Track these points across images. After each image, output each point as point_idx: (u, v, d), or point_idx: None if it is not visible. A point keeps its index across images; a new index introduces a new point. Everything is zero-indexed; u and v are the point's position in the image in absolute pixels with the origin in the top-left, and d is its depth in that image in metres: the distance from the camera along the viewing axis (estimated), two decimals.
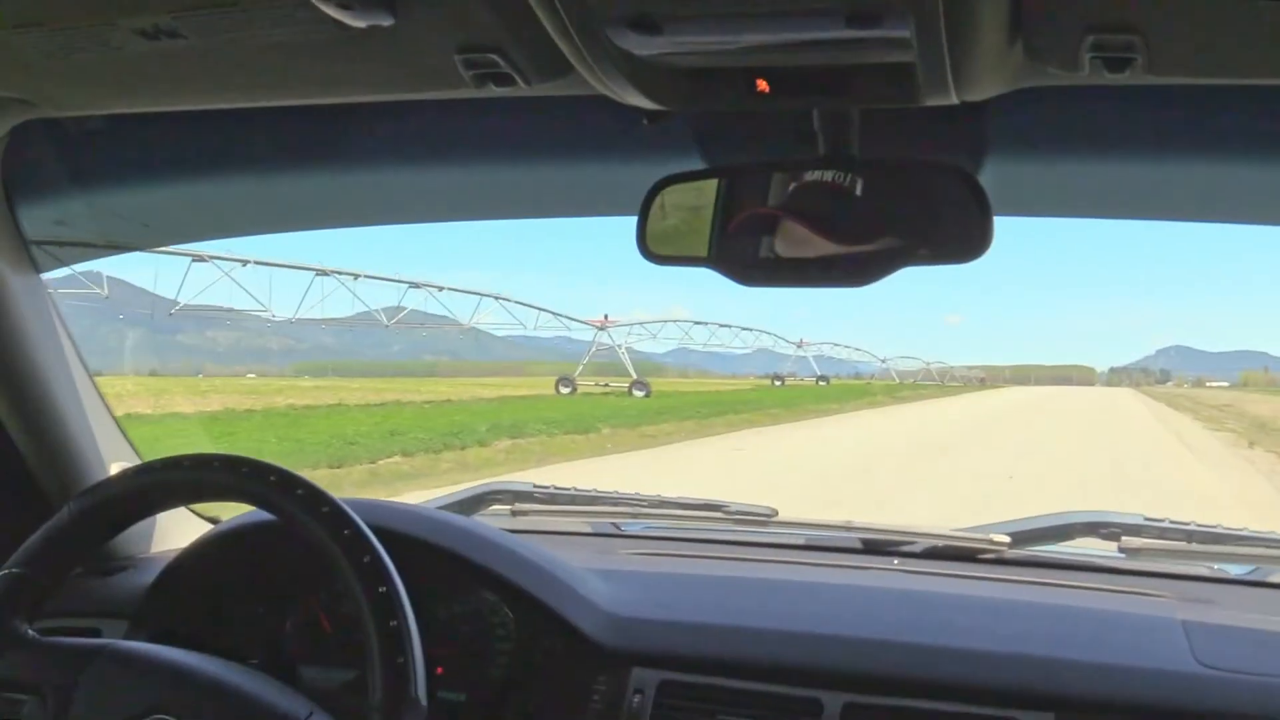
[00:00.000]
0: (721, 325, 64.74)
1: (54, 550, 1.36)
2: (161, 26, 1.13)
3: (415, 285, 39.94)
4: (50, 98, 1.40)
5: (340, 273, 36.83)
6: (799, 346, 66.83)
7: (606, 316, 48.38)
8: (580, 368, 46.16)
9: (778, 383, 53.59)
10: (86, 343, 1.85)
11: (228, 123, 1.53)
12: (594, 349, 48.06)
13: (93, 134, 1.64)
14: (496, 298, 46.58)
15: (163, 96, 1.38)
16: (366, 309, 42.23)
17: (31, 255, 1.72)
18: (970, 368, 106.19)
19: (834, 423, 28.88)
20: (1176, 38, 1.02)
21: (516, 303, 48.18)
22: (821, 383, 56.54)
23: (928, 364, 79.51)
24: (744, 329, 67.26)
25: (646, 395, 37.35)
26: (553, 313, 51.17)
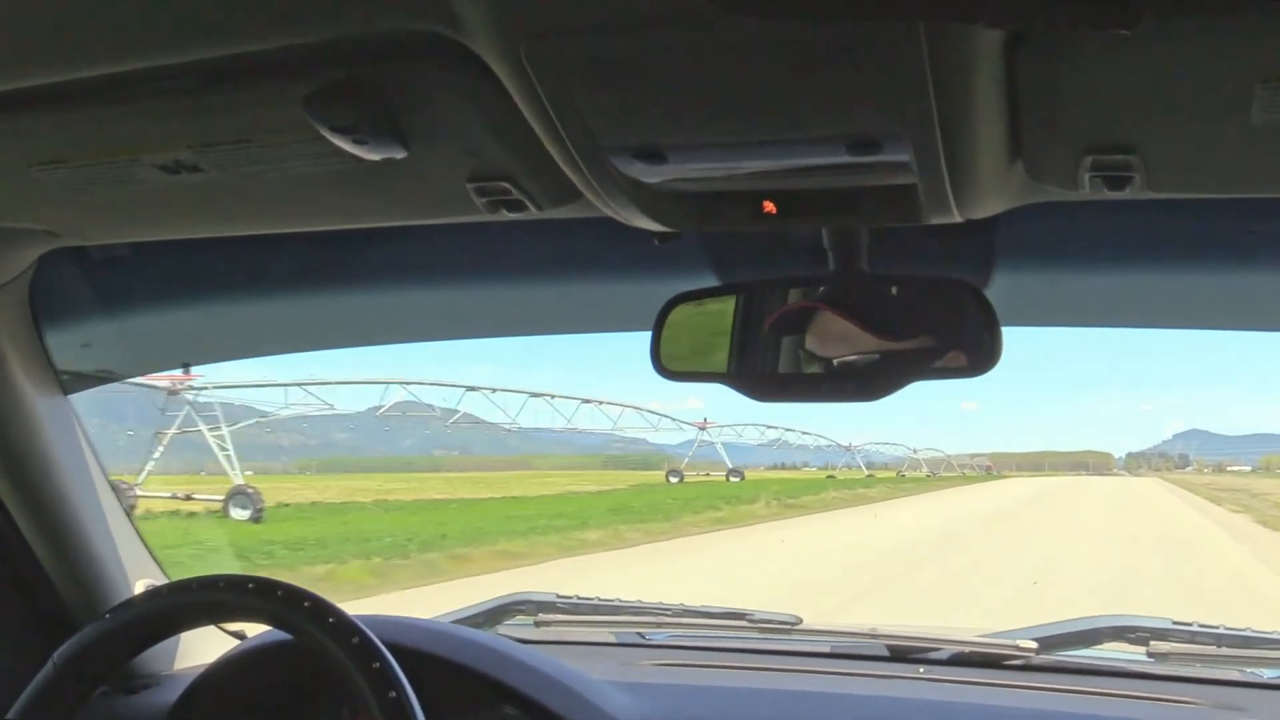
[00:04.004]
0: (786, 429, 70.21)
1: (73, 673, 1.37)
2: (182, 161, 1.18)
3: (471, 389, 41.16)
4: (75, 229, 1.45)
5: (406, 382, 38.02)
6: (848, 449, 70.88)
7: (705, 420, 53.94)
8: (685, 460, 53.76)
9: (830, 476, 58.85)
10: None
11: (248, 247, 1.58)
12: (696, 445, 54.07)
13: (117, 260, 1.69)
14: (552, 396, 48.71)
15: (183, 226, 1.43)
16: (431, 407, 43.14)
17: (59, 378, 1.76)
18: (974, 455, 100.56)
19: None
20: (1173, 156, 1.05)
21: (609, 403, 51.25)
22: (869, 476, 61.23)
23: (914, 451, 78.30)
24: (804, 432, 72.52)
25: (741, 480, 46.21)
26: (653, 412, 55.91)
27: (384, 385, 38.04)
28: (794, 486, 38.33)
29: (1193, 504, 33.16)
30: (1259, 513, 25.41)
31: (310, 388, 33.57)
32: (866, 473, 64.62)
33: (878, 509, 30.69)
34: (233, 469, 25.93)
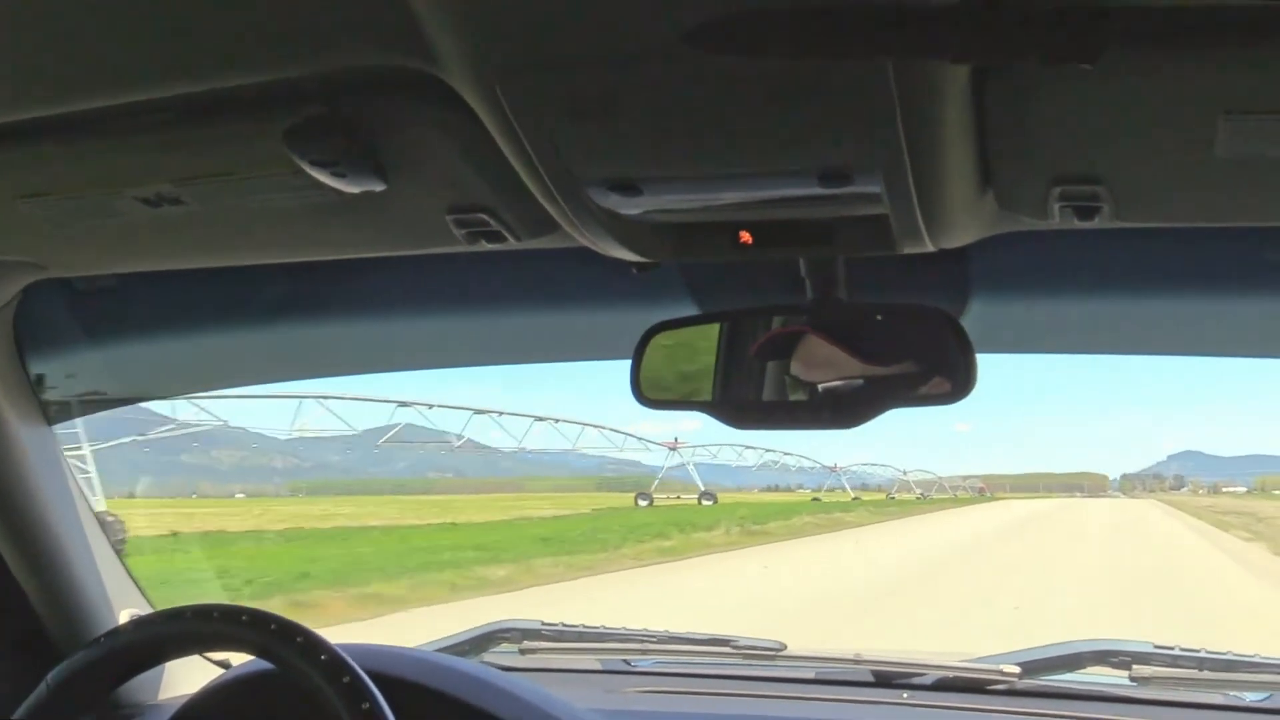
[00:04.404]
0: (767, 450, 67.45)
1: (62, 699, 1.37)
2: (163, 194, 1.19)
3: (479, 411, 42.65)
4: (58, 260, 1.46)
5: (418, 404, 39.71)
6: (833, 470, 68.51)
7: (676, 439, 52.21)
8: (656, 483, 50.52)
9: (816, 500, 55.10)
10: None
11: (231, 278, 1.59)
12: (666, 467, 52.55)
13: (101, 291, 1.70)
14: (555, 420, 49.24)
15: (165, 257, 1.44)
16: (441, 432, 44.20)
17: (43, 408, 1.76)
18: (965, 477, 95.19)
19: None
20: (1140, 187, 1.07)
21: (570, 422, 50.91)
22: (854, 499, 57.46)
23: (904, 472, 75.65)
24: (785, 453, 69.95)
25: (713, 503, 42.96)
26: (625, 433, 54.20)
27: (390, 407, 38.64)
28: (768, 510, 35.08)
29: (1197, 530, 29.48)
30: (1273, 542, 22.14)
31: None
32: (851, 495, 61.00)
33: (859, 534, 28.22)
34: (92, 493, 24.86)
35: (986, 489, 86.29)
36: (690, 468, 52.98)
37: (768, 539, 25.58)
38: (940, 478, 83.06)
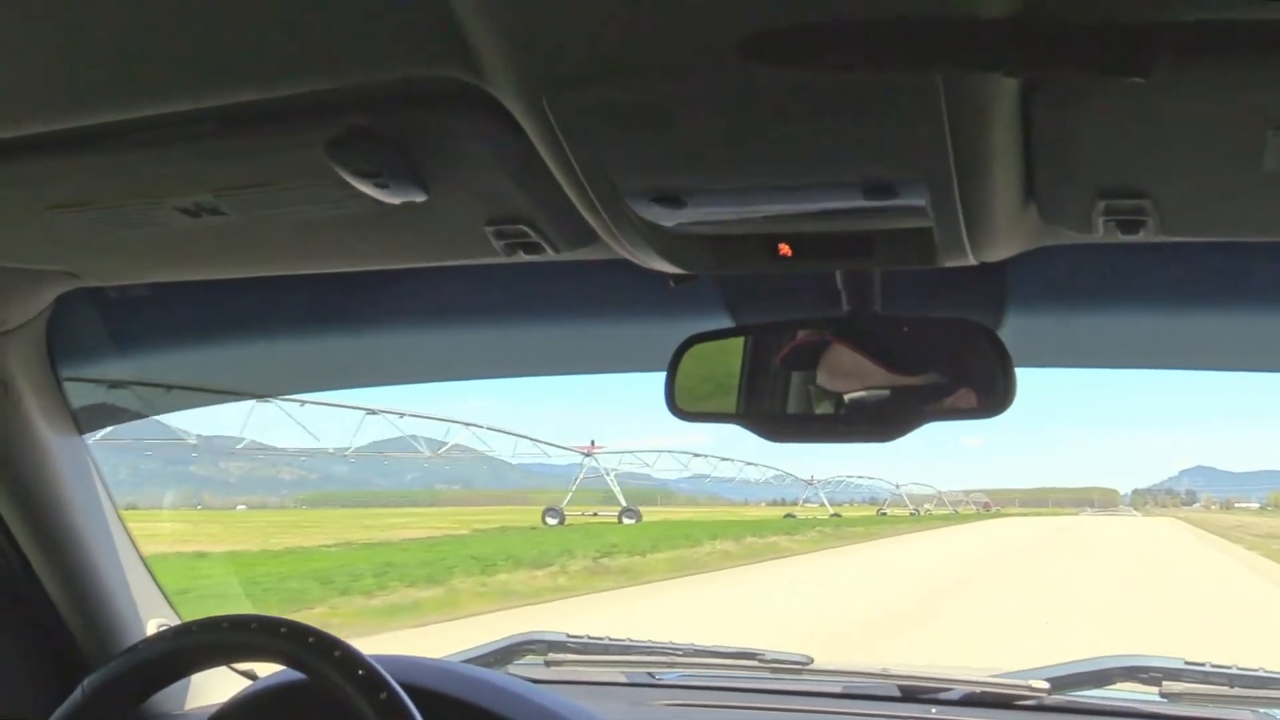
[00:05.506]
0: (722, 459, 60.64)
1: (98, 705, 1.37)
2: (203, 205, 1.19)
3: (371, 411, 37.59)
4: (94, 270, 1.47)
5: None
6: (810, 483, 62.29)
7: (593, 443, 46.10)
8: (569, 496, 43.32)
9: (789, 515, 48.48)
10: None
11: (265, 287, 1.59)
12: (582, 476, 45.37)
13: (134, 299, 1.70)
14: (466, 424, 43.99)
15: (202, 267, 1.44)
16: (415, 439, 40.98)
17: (75, 418, 1.77)
18: (969, 492, 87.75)
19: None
20: (1186, 201, 1.06)
21: (488, 429, 46.53)
22: (835, 515, 50.21)
23: (897, 485, 69.02)
24: (748, 463, 63.23)
25: (636, 521, 37.09)
26: (530, 439, 47.50)
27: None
28: (683, 533, 27.47)
29: (1236, 556, 23.49)
30: None
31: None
32: (831, 511, 53.52)
33: (795, 567, 21.14)
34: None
35: (991, 504, 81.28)
36: (610, 477, 45.80)
37: (629, 581, 17.91)
38: (940, 492, 78.07)
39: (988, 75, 0.84)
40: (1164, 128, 0.94)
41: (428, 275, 1.54)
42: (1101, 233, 1.10)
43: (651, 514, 45.25)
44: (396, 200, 1.11)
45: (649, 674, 2.13)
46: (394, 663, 1.47)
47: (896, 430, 1.27)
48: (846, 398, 1.32)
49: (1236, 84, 0.87)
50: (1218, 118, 0.92)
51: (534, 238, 1.20)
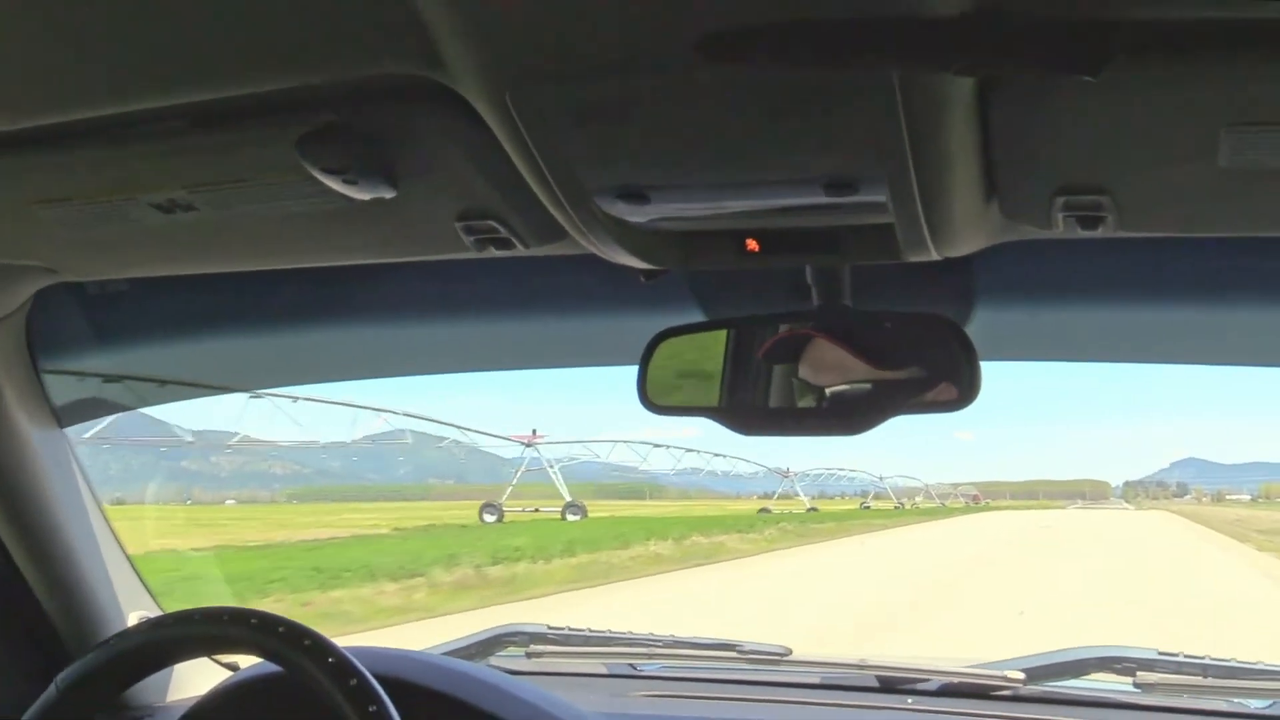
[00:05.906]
0: (688, 450, 57.43)
1: (72, 701, 1.38)
2: (177, 201, 1.20)
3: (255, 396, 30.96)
4: (71, 266, 1.48)
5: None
6: (785, 475, 57.89)
7: (535, 432, 42.17)
8: (508, 491, 40.03)
9: (764, 511, 45.00)
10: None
11: (241, 283, 1.60)
12: (524, 469, 41.62)
13: (114, 293, 1.71)
14: (404, 414, 40.96)
15: (177, 263, 1.45)
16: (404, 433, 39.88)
17: (55, 412, 1.77)
18: (956, 484, 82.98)
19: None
20: (1143, 197, 1.08)
21: (421, 418, 43.66)
22: (811, 510, 47.24)
23: (880, 478, 67.44)
24: (715, 454, 57.89)
25: (581, 518, 34.74)
26: (460, 427, 46.29)
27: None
28: (646, 528, 24.79)
29: (1254, 563, 20.28)
30: None
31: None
32: (808, 505, 49.98)
33: (739, 571, 18.86)
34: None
35: (980, 497, 77.91)
36: (554, 471, 41.74)
37: (507, 596, 14.71)
38: (927, 485, 74.77)
39: (942, 74, 0.85)
40: (1120, 125, 0.95)
41: (403, 270, 1.55)
42: (1062, 228, 1.11)
43: (637, 509, 43.69)
44: (366, 196, 1.12)
45: (630, 665, 2.14)
46: (371, 655, 1.48)
47: (864, 423, 1.29)
48: (817, 392, 1.34)
49: (1190, 82, 0.89)
50: (1172, 115, 0.93)
51: (504, 233, 1.22)
